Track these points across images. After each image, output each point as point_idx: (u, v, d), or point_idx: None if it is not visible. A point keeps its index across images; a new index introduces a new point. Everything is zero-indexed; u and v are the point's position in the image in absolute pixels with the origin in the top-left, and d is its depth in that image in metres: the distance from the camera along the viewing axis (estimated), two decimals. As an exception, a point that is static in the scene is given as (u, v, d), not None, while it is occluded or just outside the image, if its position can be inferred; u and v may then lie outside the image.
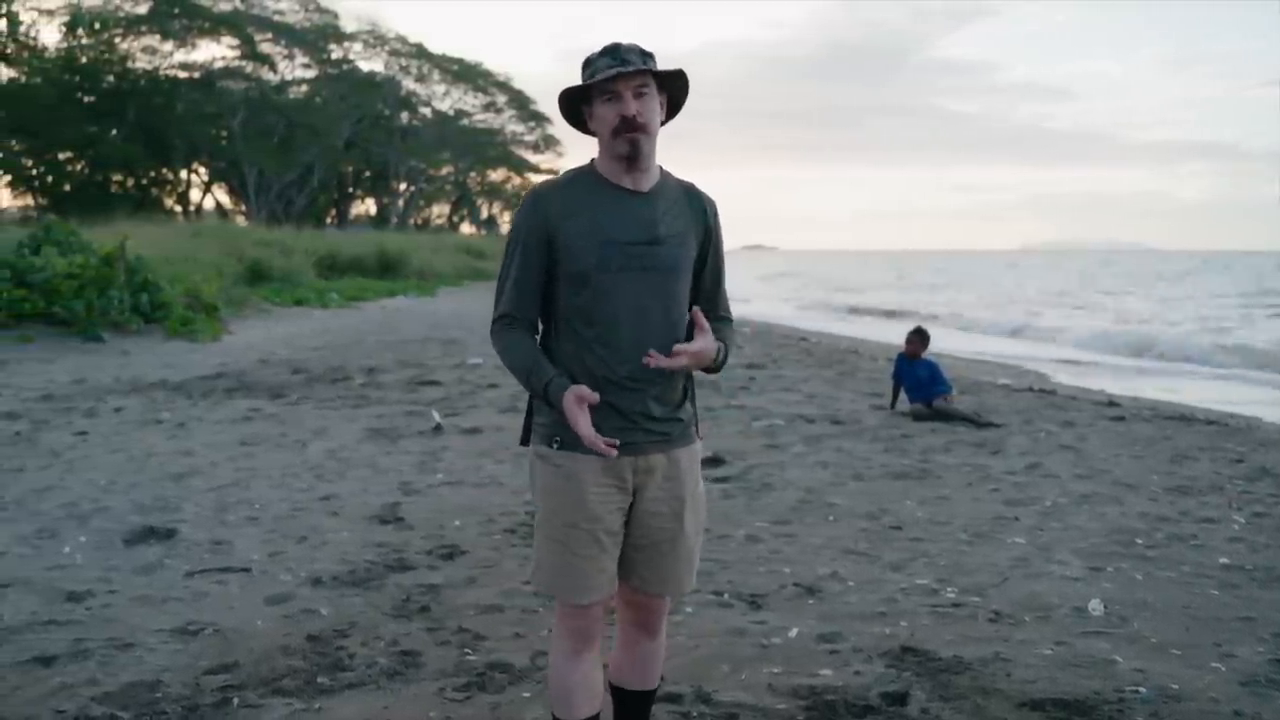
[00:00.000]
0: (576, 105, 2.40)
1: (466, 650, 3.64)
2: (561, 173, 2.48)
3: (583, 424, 2.24)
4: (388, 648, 3.66)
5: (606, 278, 2.32)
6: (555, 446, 2.37)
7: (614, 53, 2.31)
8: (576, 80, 2.38)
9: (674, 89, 2.41)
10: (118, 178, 42.75)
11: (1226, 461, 6.83)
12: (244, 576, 4.45)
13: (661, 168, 2.44)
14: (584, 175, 2.41)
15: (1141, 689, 3.30)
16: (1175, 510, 5.55)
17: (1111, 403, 9.60)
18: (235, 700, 3.23)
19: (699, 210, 2.47)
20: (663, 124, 2.40)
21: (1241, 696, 3.26)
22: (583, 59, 2.37)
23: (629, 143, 2.30)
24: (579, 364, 2.36)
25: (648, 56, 2.33)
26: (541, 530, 2.43)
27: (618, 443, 2.27)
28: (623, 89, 2.29)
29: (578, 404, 2.25)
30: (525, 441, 2.48)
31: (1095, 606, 4.05)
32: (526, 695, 3.28)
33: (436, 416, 8.17)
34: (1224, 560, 4.66)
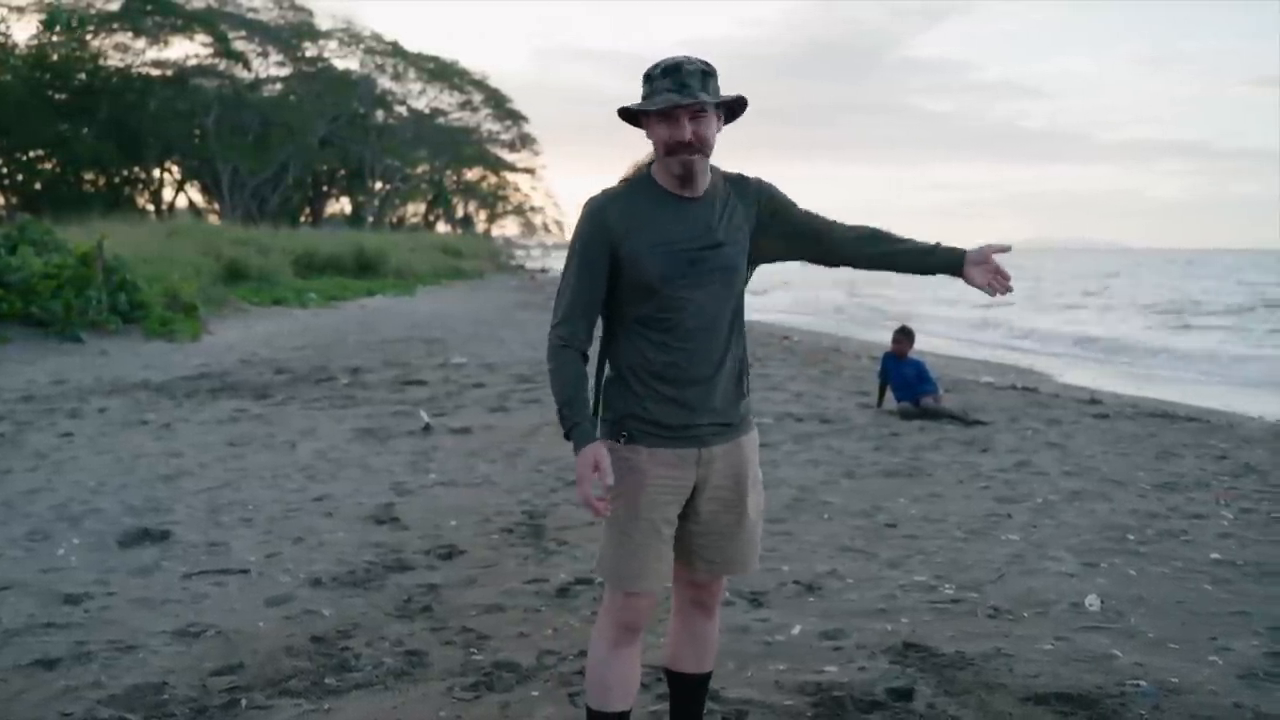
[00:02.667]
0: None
1: (472, 650, 3.64)
2: (617, 182, 2.48)
3: (586, 484, 2.32)
4: (393, 648, 3.65)
5: (673, 286, 2.38)
6: (623, 440, 2.44)
7: (675, 73, 2.31)
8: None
9: (732, 102, 2.42)
10: (90, 176, 42.20)
11: (1211, 458, 6.92)
12: (242, 578, 4.43)
13: (713, 166, 2.45)
14: (641, 184, 2.44)
15: (1142, 683, 3.34)
16: (1164, 506, 5.62)
17: (1094, 400, 9.70)
18: (243, 701, 3.22)
19: (749, 201, 2.49)
20: (719, 129, 2.41)
21: (1240, 689, 3.31)
22: (645, 69, 2.36)
23: (682, 164, 2.36)
24: (645, 363, 2.42)
25: (708, 78, 2.34)
26: (606, 521, 2.48)
27: (608, 505, 2.36)
28: (680, 113, 2.32)
29: (590, 467, 2.31)
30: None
31: (1092, 602, 4.10)
32: (535, 694, 3.28)
33: (425, 416, 8.14)
34: (1215, 555, 4.72)
